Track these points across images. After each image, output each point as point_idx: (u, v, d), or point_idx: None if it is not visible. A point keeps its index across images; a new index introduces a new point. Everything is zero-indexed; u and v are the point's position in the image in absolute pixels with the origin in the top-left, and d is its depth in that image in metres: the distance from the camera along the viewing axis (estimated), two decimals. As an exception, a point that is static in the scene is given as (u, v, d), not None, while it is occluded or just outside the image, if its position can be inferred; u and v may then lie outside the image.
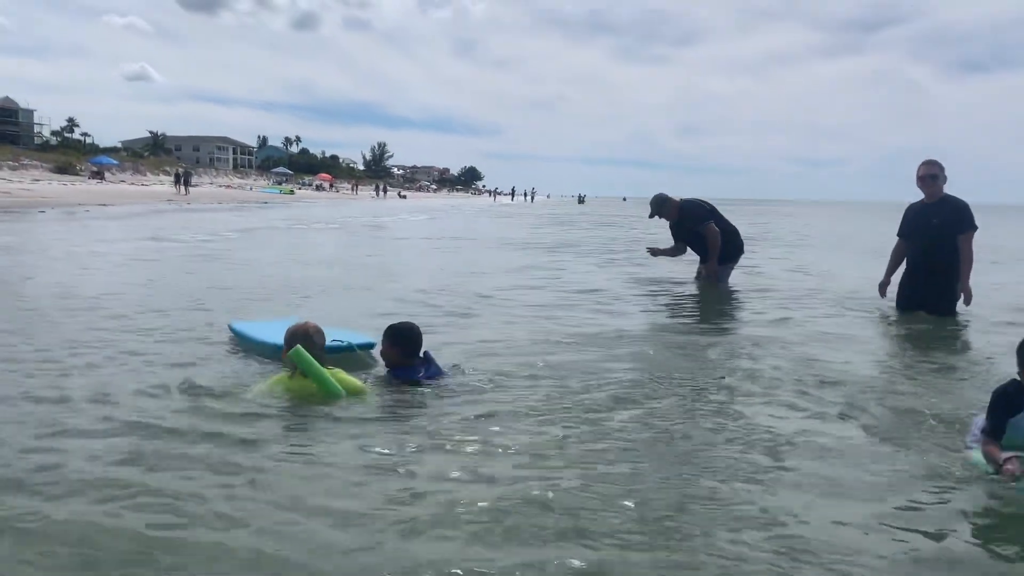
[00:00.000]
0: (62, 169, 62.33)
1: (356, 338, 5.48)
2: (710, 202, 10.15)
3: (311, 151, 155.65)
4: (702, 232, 9.63)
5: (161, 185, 63.19)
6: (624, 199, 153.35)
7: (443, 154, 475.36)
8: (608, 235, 24.85)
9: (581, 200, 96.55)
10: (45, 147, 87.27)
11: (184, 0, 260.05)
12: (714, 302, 9.14)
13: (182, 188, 53.39)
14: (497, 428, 3.92)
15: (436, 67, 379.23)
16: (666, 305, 9.05)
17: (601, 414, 4.19)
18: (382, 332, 4.90)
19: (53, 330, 6.25)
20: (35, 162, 62.84)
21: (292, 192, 77.57)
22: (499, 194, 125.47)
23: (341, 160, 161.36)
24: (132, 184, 61.62)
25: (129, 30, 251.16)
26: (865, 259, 13.46)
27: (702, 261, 10.00)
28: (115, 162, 71.62)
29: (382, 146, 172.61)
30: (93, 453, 3.43)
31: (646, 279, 11.19)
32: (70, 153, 74.90)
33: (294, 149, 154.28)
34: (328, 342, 4.71)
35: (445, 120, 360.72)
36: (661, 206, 9.71)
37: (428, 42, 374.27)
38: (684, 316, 8.41)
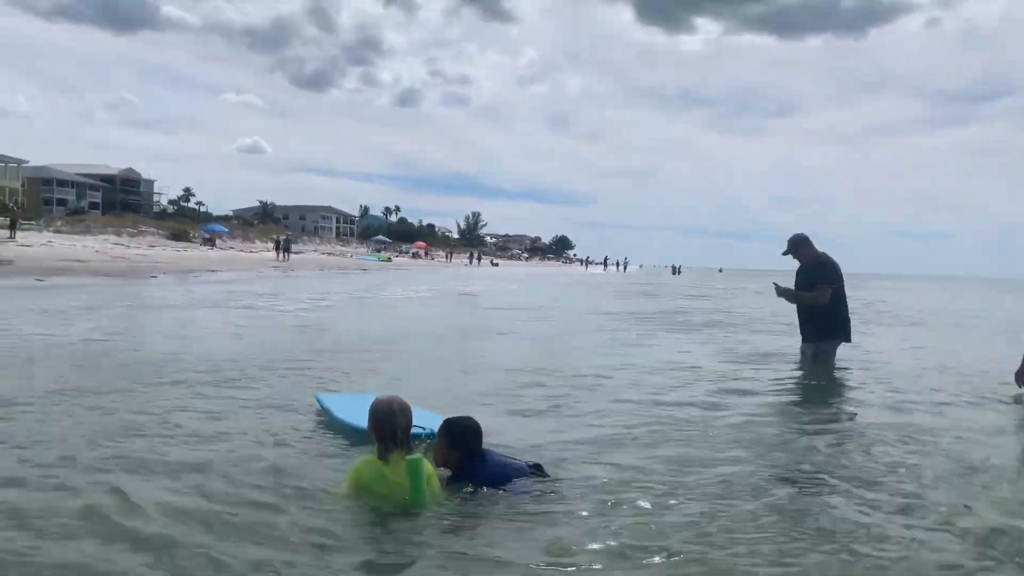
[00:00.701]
0: (176, 236, 65.83)
1: (433, 420, 5.09)
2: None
3: (409, 220, 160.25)
4: (816, 288, 8.73)
5: (267, 252, 65.87)
6: (720, 270, 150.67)
7: (535, 223, 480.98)
8: (706, 306, 24.09)
9: (676, 271, 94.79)
10: (163, 215, 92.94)
11: (296, 79, 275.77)
12: (827, 384, 8.44)
13: (283, 255, 55.45)
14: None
15: (530, 139, 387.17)
16: (783, 387, 8.42)
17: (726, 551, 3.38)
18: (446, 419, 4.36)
19: (146, 394, 6.24)
20: (152, 229, 66.62)
21: (389, 259, 79.65)
22: (591, 263, 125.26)
23: (437, 229, 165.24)
24: (241, 251, 64.46)
25: (245, 106, 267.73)
26: (991, 339, 12.40)
27: (806, 335, 9.18)
28: (225, 230, 75.26)
29: (476, 215, 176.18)
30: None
31: (756, 355, 10.58)
32: (184, 221, 79.22)
33: (393, 218, 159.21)
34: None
35: (538, 190, 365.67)
36: (796, 246, 8.90)
37: (523, 116, 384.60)
38: (803, 400, 7.75)
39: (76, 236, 52.82)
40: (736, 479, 4.40)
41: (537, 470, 4.29)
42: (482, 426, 4.26)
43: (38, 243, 42.11)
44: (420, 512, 3.73)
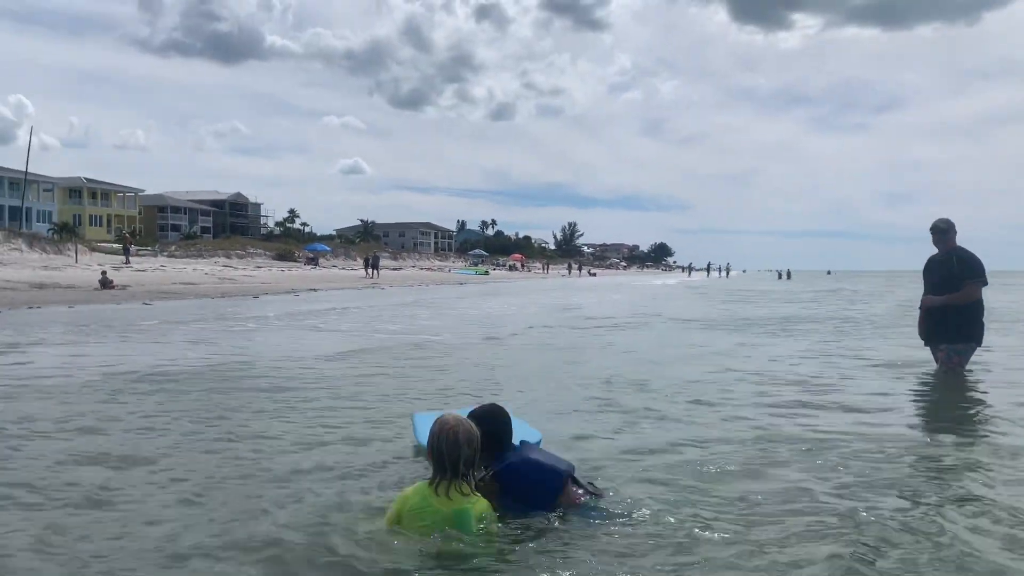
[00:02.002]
0: (282, 256, 67.90)
1: (522, 433, 4.40)
2: None
3: (505, 233, 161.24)
4: (961, 286, 7.79)
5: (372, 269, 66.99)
6: (829, 272, 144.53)
7: (632, 231, 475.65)
8: (819, 312, 22.44)
9: (785, 276, 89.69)
10: (270, 236, 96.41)
11: (393, 99, 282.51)
12: (960, 395, 7.22)
13: (371, 271, 56.15)
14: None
15: (624, 147, 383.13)
16: (912, 400, 7.29)
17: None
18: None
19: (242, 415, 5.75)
20: (259, 250, 68.96)
21: (487, 273, 79.87)
22: (693, 269, 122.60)
23: (533, 240, 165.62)
24: (342, 268, 65.87)
25: (345, 128, 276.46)
26: None
27: (940, 336, 8.07)
28: (328, 248, 77.21)
29: (572, 225, 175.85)
30: None
31: (882, 363, 9.44)
32: (289, 242, 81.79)
33: (490, 232, 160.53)
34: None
35: (634, 198, 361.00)
36: (947, 232, 7.95)
37: (617, 123, 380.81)
38: (934, 416, 6.57)
39: (188, 260, 55.12)
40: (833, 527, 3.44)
41: (591, 487, 3.86)
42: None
43: (152, 268, 43.96)
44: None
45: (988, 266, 7.89)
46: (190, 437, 5.50)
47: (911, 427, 6.16)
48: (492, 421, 3.75)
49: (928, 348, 8.36)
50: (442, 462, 3.35)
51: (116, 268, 38.68)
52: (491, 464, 3.66)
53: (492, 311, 23.17)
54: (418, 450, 4.86)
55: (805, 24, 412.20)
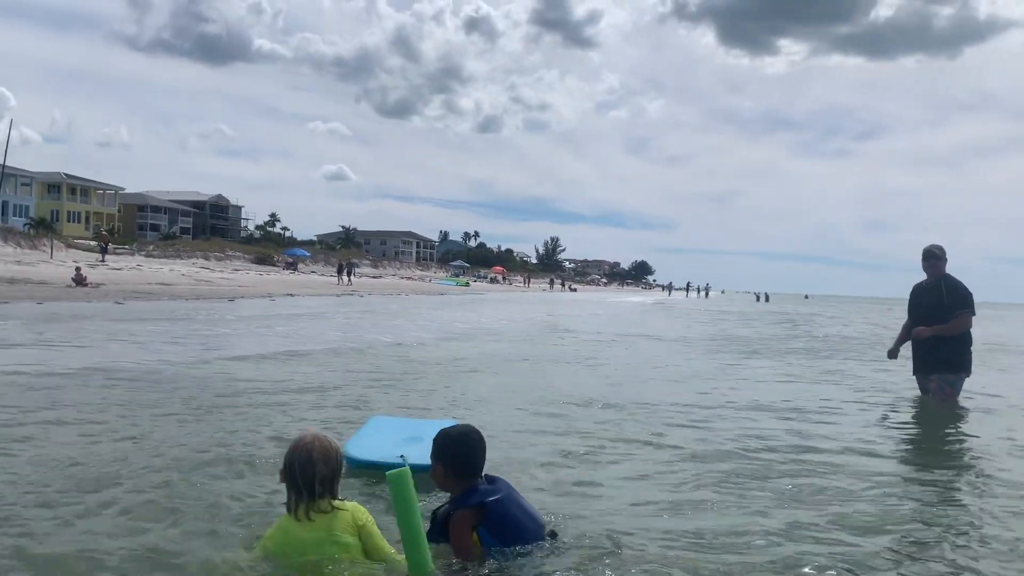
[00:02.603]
0: (261, 260, 67.36)
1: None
2: None
3: (488, 245, 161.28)
4: (953, 316, 7.72)
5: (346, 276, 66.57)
6: (806, 296, 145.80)
7: (614, 248, 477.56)
8: (796, 333, 22.54)
9: (763, 298, 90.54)
10: (249, 239, 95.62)
11: (381, 107, 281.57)
12: (957, 432, 7.18)
13: (344, 278, 55.73)
14: None
15: (609, 164, 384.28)
16: (908, 439, 7.24)
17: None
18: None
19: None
20: (238, 253, 68.41)
21: (467, 284, 79.83)
22: (674, 289, 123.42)
23: (515, 254, 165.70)
24: (321, 275, 65.43)
25: (331, 135, 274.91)
26: None
27: (929, 366, 8.02)
28: (307, 254, 76.72)
29: (555, 240, 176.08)
30: None
31: (867, 389, 9.39)
32: (269, 246, 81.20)
33: (472, 243, 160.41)
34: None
35: (616, 215, 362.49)
36: (940, 257, 7.88)
37: (603, 140, 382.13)
38: (929, 457, 6.56)
39: (166, 260, 54.53)
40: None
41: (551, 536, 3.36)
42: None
43: (128, 267, 43.45)
44: None
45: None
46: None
47: (916, 466, 6.12)
48: (465, 443, 3.31)
49: (915, 377, 8.32)
50: (296, 482, 3.00)
51: (92, 266, 38.19)
52: (466, 495, 3.19)
53: (465, 320, 23.08)
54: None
55: (791, 50, 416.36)
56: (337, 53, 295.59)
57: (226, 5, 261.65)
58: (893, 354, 8.44)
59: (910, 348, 8.19)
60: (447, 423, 3.87)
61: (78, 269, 30.89)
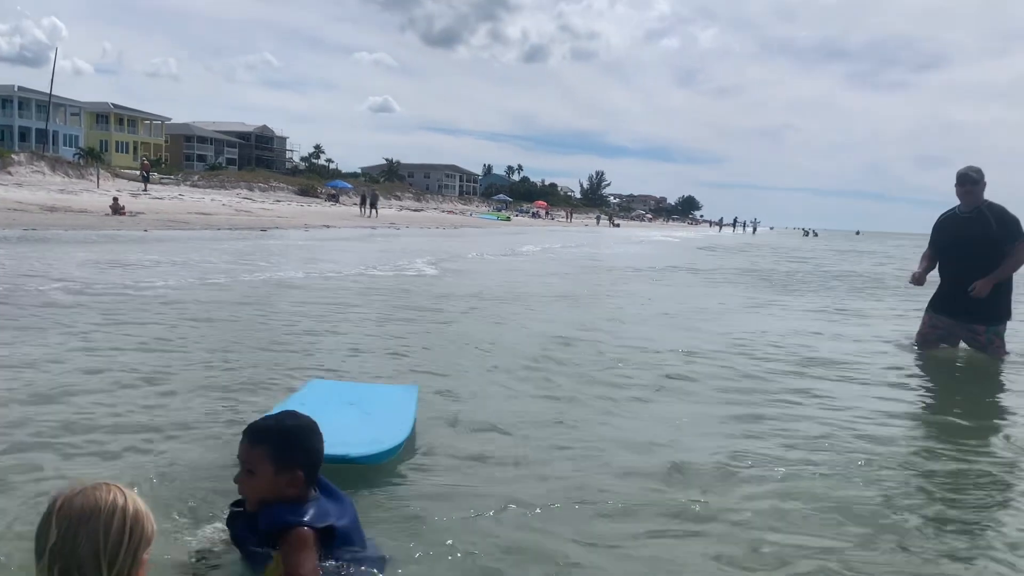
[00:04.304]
0: (304, 192, 67.60)
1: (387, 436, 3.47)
2: None
3: (531, 179, 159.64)
4: (1010, 250, 6.64)
5: (388, 209, 66.47)
6: (857, 232, 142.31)
7: (660, 183, 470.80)
8: (843, 269, 21.74)
9: (812, 234, 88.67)
10: (294, 171, 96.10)
11: (426, 36, 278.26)
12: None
13: (367, 210, 53.37)
14: None
15: (657, 96, 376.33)
16: (936, 391, 6.76)
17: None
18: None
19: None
20: (282, 184, 68.69)
21: (508, 219, 79.31)
22: (724, 225, 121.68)
23: (559, 188, 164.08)
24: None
25: (377, 65, 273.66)
26: None
27: (977, 314, 6.87)
28: (349, 186, 76.74)
29: (599, 175, 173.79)
30: None
31: (893, 342, 8.75)
32: (313, 177, 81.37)
33: (516, 177, 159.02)
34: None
35: (663, 149, 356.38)
36: (976, 184, 6.76)
37: (650, 71, 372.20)
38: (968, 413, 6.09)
39: (210, 190, 54.97)
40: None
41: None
42: None
43: (170, 196, 43.88)
44: None
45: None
46: None
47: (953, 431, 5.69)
48: (320, 439, 2.47)
49: (934, 319, 7.24)
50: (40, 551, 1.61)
51: (134, 195, 38.63)
52: (308, 507, 2.33)
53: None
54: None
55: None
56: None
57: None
58: (919, 280, 7.18)
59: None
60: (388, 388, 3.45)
61: (116, 199, 31.22)
